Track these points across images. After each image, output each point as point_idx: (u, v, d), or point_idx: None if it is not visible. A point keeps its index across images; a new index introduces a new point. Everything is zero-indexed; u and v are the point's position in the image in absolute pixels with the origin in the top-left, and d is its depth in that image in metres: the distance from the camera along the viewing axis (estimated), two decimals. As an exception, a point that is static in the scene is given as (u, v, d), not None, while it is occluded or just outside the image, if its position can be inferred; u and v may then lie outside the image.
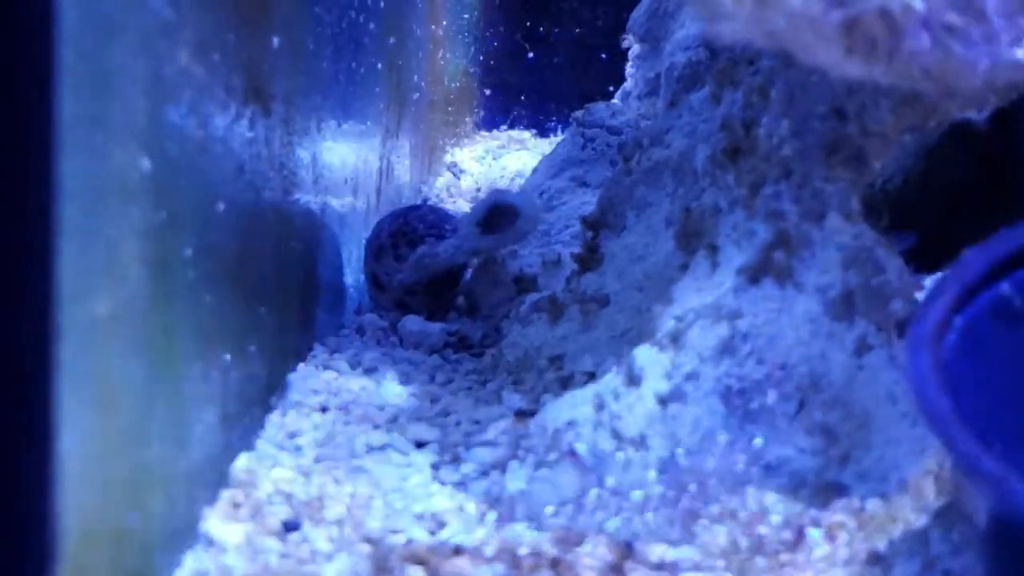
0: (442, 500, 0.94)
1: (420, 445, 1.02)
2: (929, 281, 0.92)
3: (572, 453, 0.93)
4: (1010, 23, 0.76)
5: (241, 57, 0.94)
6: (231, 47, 0.92)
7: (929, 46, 0.76)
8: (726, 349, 0.93)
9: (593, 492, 0.92)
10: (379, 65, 1.47)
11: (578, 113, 1.56)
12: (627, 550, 0.88)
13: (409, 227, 1.30)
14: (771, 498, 0.89)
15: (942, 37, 0.76)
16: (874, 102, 0.91)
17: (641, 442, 0.92)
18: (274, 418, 1.03)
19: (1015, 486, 0.71)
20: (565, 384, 1.07)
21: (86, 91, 0.69)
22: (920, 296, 0.90)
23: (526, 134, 2.20)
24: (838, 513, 0.88)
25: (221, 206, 0.90)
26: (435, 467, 0.99)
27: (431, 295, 1.28)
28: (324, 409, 1.06)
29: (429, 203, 1.59)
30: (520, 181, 1.76)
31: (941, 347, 0.78)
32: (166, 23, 0.80)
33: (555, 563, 0.86)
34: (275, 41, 1.02)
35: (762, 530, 0.88)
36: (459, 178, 1.95)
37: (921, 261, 0.96)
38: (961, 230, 0.91)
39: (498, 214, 1.25)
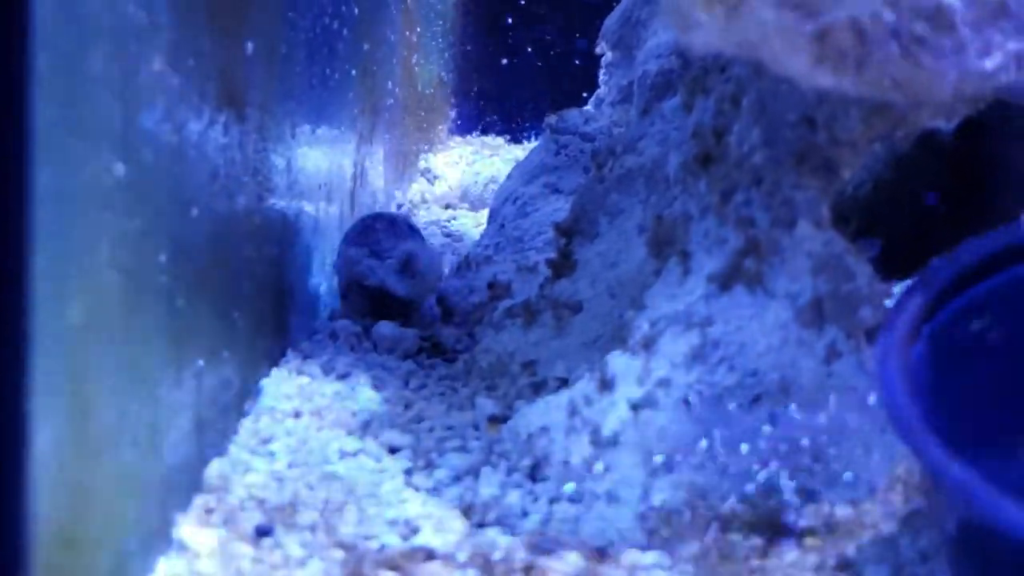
0: (415, 506, 0.94)
1: (393, 451, 1.02)
2: (899, 289, 0.93)
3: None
4: (978, 34, 0.77)
5: (215, 63, 0.94)
6: (205, 53, 0.92)
7: (898, 56, 0.77)
8: (697, 355, 0.94)
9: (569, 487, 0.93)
10: (353, 71, 1.48)
11: (551, 120, 1.56)
12: (599, 556, 0.88)
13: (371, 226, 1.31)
14: (741, 504, 0.90)
15: (911, 48, 0.77)
16: (844, 111, 0.92)
17: (613, 447, 0.93)
18: (247, 423, 1.03)
19: (983, 493, 0.72)
20: (538, 390, 1.07)
21: (60, 97, 0.69)
22: (889, 304, 0.91)
23: (499, 140, 2.20)
24: (808, 519, 0.89)
25: (195, 212, 0.90)
26: (408, 473, 0.99)
27: (360, 301, 1.28)
28: (297, 415, 1.06)
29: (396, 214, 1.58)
30: (494, 187, 1.76)
31: (910, 355, 0.79)
32: (140, 29, 0.80)
33: (528, 568, 0.87)
34: (249, 47, 1.02)
35: (733, 536, 0.88)
36: (433, 184, 1.96)
37: (891, 269, 0.97)
38: (930, 238, 0.91)
39: (414, 261, 1.27)
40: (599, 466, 0.93)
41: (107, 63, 0.75)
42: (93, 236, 0.74)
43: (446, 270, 1.40)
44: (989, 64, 0.77)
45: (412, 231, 1.32)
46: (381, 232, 1.29)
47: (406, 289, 1.27)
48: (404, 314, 1.28)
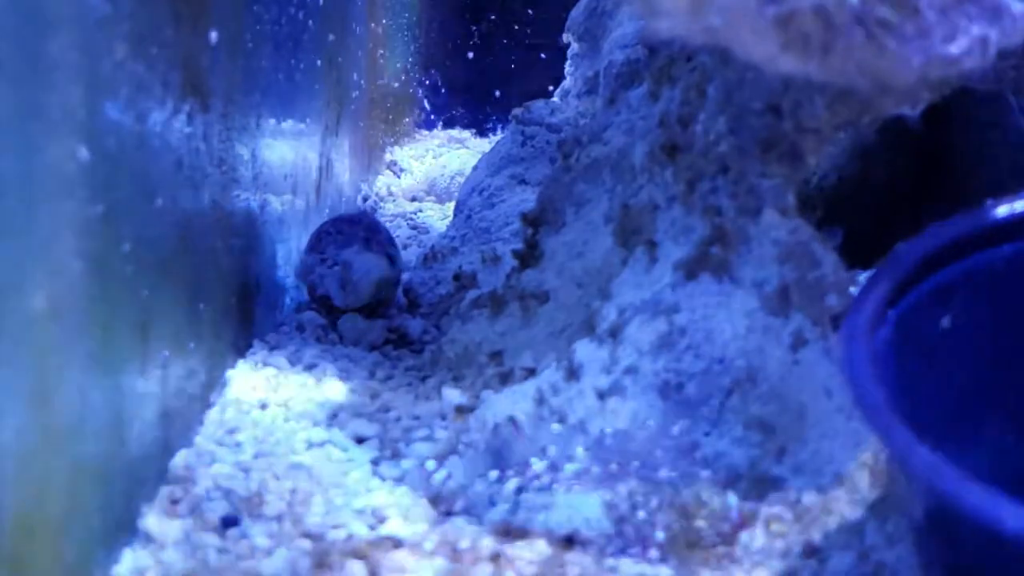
0: (382, 495, 0.94)
1: (360, 441, 1.02)
2: (864, 276, 0.93)
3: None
4: (943, 18, 0.77)
5: (179, 52, 0.94)
6: (169, 41, 0.91)
7: (863, 41, 0.77)
8: (664, 344, 0.94)
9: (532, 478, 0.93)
10: (319, 62, 1.47)
11: (518, 111, 1.56)
12: (566, 543, 0.88)
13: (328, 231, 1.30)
14: (708, 491, 0.90)
15: (876, 32, 0.77)
16: (809, 99, 0.92)
17: (581, 436, 0.93)
18: (213, 414, 1.03)
19: (948, 477, 0.72)
20: (505, 380, 1.07)
21: (22, 84, 0.69)
22: (855, 291, 0.91)
23: (466, 133, 2.20)
24: (774, 506, 0.89)
25: (159, 201, 0.90)
26: (375, 462, 0.99)
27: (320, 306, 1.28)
28: (264, 405, 1.06)
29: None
30: (460, 180, 1.76)
31: (875, 340, 0.79)
32: (103, 16, 0.79)
33: (495, 557, 0.87)
34: (213, 36, 1.02)
35: (699, 523, 0.88)
36: (399, 177, 1.95)
37: (856, 257, 0.97)
38: (895, 226, 0.92)
39: (347, 270, 1.27)
40: (566, 454, 0.93)
41: (69, 50, 0.75)
42: (56, 224, 0.74)
43: (397, 269, 1.38)
44: (954, 49, 0.77)
45: (365, 235, 1.30)
46: (330, 239, 1.29)
47: (343, 299, 1.26)
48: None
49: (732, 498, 0.90)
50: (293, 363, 1.14)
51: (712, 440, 0.92)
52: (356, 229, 1.30)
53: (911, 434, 0.74)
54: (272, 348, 1.17)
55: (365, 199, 1.78)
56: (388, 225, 1.61)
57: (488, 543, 0.88)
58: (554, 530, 0.90)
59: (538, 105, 1.55)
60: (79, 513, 0.77)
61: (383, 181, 1.91)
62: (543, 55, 2.11)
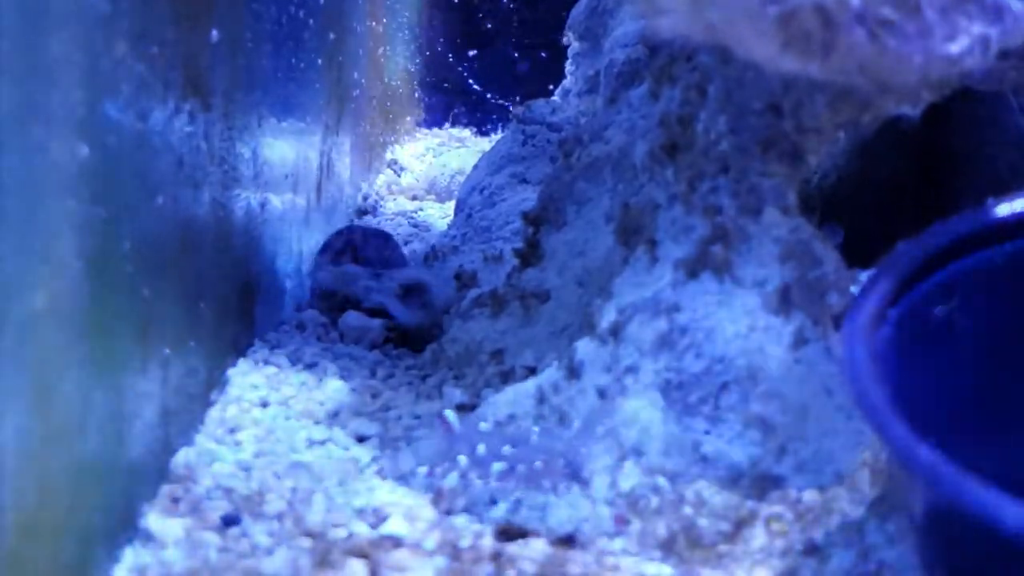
0: (383, 494, 0.94)
1: (361, 439, 1.02)
2: (865, 275, 0.93)
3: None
4: (944, 18, 0.77)
5: (180, 51, 0.94)
6: (170, 41, 0.91)
7: (864, 40, 0.77)
8: (665, 343, 0.94)
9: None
10: (319, 61, 1.47)
11: (518, 110, 1.56)
12: (567, 542, 0.88)
13: (362, 243, 1.30)
14: (709, 490, 0.90)
15: (877, 32, 0.77)
16: (810, 97, 0.92)
17: (581, 434, 0.93)
18: (214, 413, 1.03)
19: (949, 476, 0.72)
20: (506, 378, 1.07)
21: (23, 83, 0.69)
22: (855, 290, 0.91)
23: (466, 132, 2.20)
24: (775, 504, 0.89)
25: (160, 200, 0.90)
26: (376, 461, 0.99)
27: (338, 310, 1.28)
28: (264, 404, 1.06)
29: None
30: (460, 179, 1.76)
31: (876, 338, 0.79)
32: (104, 15, 0.79)
33: (496, 556, 0.87)
34: (214, 35, 1.02)
35: (700, 521, 0.88)
36: (400, 176, 1.95)
37: (857, 255, 0.97)
38: (896, 225, 0.92)
39: (416, 290, 1.26)
40: (567, 453, 0.93)
41: (70, 49, 0.75)
42: (57, 223, 0.74)
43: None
44: (955, 48, 0.77)
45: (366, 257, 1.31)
46: (373, 244, 1.30)
47: (406, 316, 1.27)
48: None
49: (732, 497, 0.90)
50: (294, 362, 1.14)
51: (713, 439, 0.92)
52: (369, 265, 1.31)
53: (912, 433, 0.74)
54: (273, 347, 1.17)
55: (366, 198, 1.78)
56: (388, 223, 1.61)
57: (489, 542, 0.88)
58: (555, 529, 0.90)
59: (539, 104, 1.55)
60: (79, 513, 0.77)
61: (384, 180, 1.91)
62: (544, 54, 2.11)
